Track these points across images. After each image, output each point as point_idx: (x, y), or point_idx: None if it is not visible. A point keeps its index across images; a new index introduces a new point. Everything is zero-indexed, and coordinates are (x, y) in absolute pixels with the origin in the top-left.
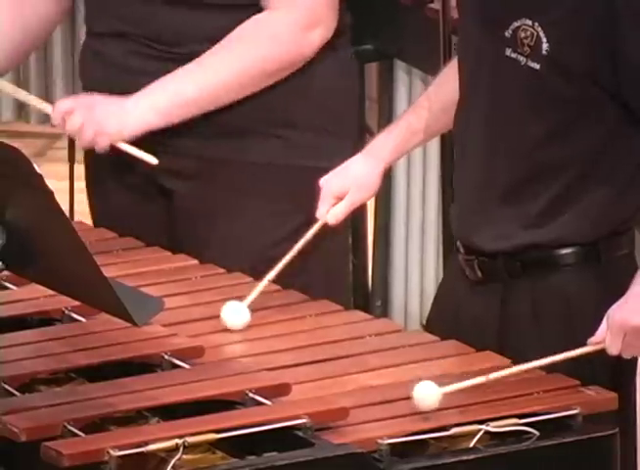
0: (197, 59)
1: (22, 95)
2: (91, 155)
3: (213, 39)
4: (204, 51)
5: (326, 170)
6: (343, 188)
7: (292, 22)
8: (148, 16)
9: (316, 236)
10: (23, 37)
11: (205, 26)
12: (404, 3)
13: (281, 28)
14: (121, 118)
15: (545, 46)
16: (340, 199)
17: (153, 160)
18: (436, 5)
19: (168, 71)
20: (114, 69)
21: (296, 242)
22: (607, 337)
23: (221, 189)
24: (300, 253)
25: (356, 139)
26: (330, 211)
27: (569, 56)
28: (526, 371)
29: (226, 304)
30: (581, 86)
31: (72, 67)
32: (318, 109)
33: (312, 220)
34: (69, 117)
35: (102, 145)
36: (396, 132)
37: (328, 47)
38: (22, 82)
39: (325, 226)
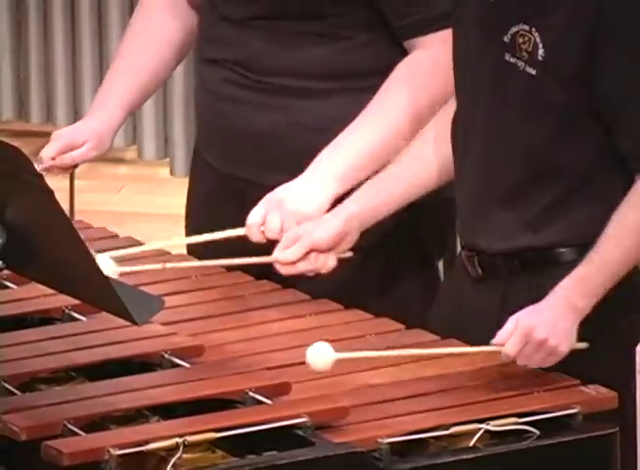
0: (364, 111)
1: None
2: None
3: (300, 72)
4: (296, 84)
5: None
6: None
7: (445, 58)
8: (240, 42)
9: None
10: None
11: (298, 57)
12: None
13: (438, 67)
14: (312, 197)
15: (541, 52)
16: (296, 241)
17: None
18: None
19: (262, 102)
20: (212, 95)
21: None
22: (509, 340)
23: None
24: None
25: None
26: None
27: (562, 62)
28: (528, 369)
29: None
30: (575, 92)
31: (72, 66)
32: None
33: None
34: (266, 225)
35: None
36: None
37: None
38: (22, 81)
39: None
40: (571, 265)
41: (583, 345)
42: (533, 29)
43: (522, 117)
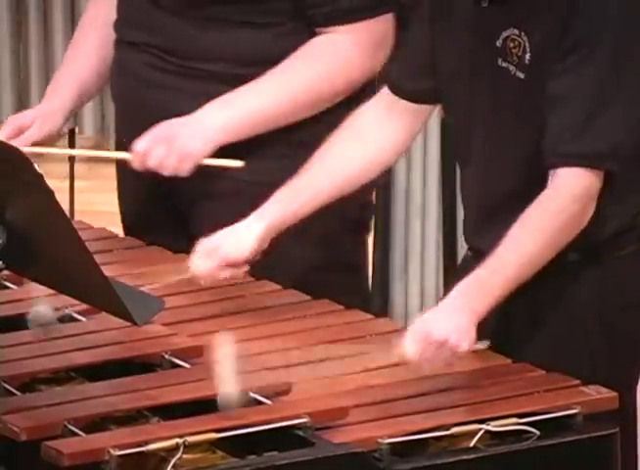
0: (267, 73)
1: (99, 153)
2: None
3: (229, 57)
4: (219, 69)
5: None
6: (215, 245)
7: (360, 44)
8: (158, 25)
9: None
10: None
11: (222, 43)
12: (404, 2)
13: (352, 50)
14: (200, 138)
15: (527, 56)
16: (210, 255)
17: (238, 163)
18: None
19: (183, 87)
20: (129, 78)
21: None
22: (409, 344)
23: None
24: None
25: None
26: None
27: (545, 66)
28: (528, 369)
29: None
30: None
31: None
32: (325, 128)
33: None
34: (150, 155)
35: (187, 168)
36: (284, 191)
37: None
38: (22, 81)
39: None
40: (572, 267)
41: (484, 344)
42: (522, 34)
43: (517, 121)
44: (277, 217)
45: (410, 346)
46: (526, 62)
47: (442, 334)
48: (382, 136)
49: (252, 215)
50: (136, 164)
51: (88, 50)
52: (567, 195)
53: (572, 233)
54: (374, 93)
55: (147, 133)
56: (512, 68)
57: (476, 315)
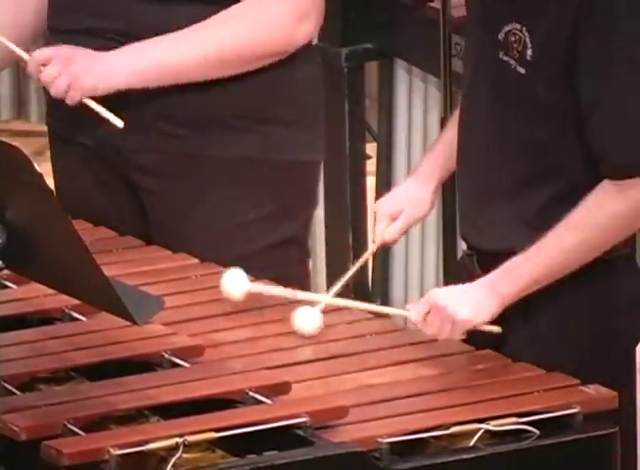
0: (186, 28)
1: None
2: (56, 142)
3: None
4: None
5: (302, 163)
6: (398, 208)
7: (287, 10)
8: (115, 9)
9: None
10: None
11: (175, 22)
12: (404, 2)
13: (277, 15)
14: (98, 75)
15: (529, 51)
16: (394, 219)
17: (119, 122)
18: (437, 4)
19: None
20: None
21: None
22: (415, 306)
23: (192, 184)
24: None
25: (322, 131)
26: (387, 230)
27: (549, 63)
28: (528, 369)
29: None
30: (563, 93)
31: None
32: (289, 102)
33: (289, 212)
34: (46, 67)
35: (73, 98)
36: (439, 150)
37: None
38: (22, 81)
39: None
40: None
41: (496, 328)
42: (524, 29)
43: (518, 115)
44: (441, 175)
45: (415, 307)
46: (528, 57)
47: (444, 301)
48: None
49: (414, 176)
50: (30, 69)
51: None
52: (618, 195)
53: (619, 235)
54: (311, 61)
55: (54, 47)
56: (512, 62)
57: (498, 296)
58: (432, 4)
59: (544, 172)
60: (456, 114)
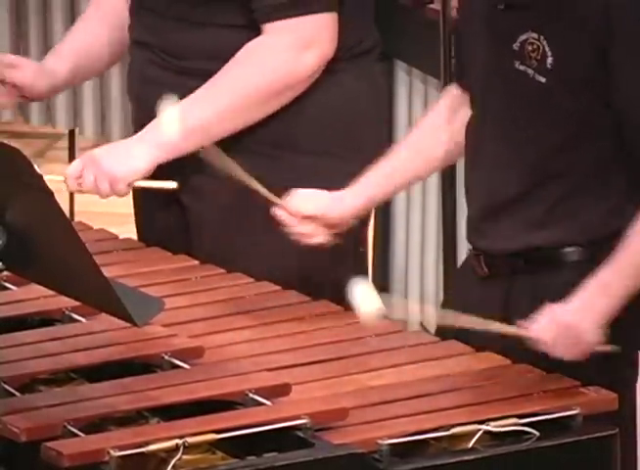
0: (197, 90)
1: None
2: None
3: (219, 57)
4: (210, 67)
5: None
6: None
7: (285, 45)
8: (160, 27)
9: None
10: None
11: (210, 44)
12: (404, 3)
13: (274, 53)
14: (129, 161)
15: (550, 60)
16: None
17: (172, 185)
18: (436, 5)
19: (181, 84)
20: (135, 76)
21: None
22: (540, 327)
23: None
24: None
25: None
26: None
27: (572, 71)
28: (528, 370)
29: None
30: (585, 100)
31: None
32: (318, 130)
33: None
34: (82, 179)
35: (121, 190)
36: (384, 171)
37: (325, 70)
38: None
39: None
40: (575, 266)
41: (614, 348)
42: (542, 38)
43: (532, 123)
44: (375, 192)
45: (541, 328)
46: (548, 66)
47: (571, 319)
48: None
49: (352, 187)
50: (71, 188)
51: (96, 34)
52: None
53: None
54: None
55: (81, 157)
56: (530, 71)
57: (600, 316)
58: (432, 5)
59: (556, 175)
60: (411, 135)
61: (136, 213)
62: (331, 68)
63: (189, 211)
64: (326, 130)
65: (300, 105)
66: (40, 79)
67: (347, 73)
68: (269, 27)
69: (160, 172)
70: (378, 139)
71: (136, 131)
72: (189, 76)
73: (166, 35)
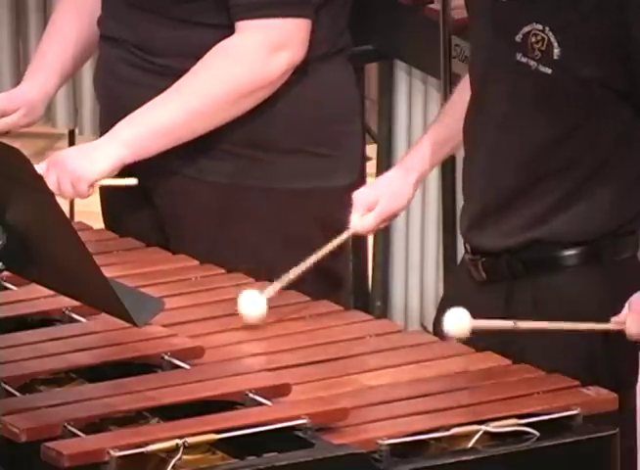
0: (167, 90)
1: None
2: None
3: (196, 55)
4: (187, 66)
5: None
6: (375, 199)
7: (255, 45)
8: (137, 23)
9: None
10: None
11: (189, 42)
12: (404, 3)
13: (243, 52)
14: (93, 161)
15: (557, 51)
16: (370, 209)
17: (132, 181)
18: (436, 5)
19: (154, 83)
20: (106, 74)
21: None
22: (627, 319)
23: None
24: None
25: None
26: (361, 220)
27: (580, 61)
28: (528, 370)
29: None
30: (592, 90)
31: None
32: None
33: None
34: (46, 179)
35: (82, 191)
36: (425, 143)
37: (298, 70)
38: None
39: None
40: (574, 270)
41: None
42: (547, 29)
43: (534, 116)
44: (424, 168)
45: (629, 321)
46: (555, 57)
47: None
48: None
49: (398, 167)
50: None
51: (75, 32)
52: None
53: None
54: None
55: (47, 159)
56: (533, 63)
57: None
58: (431, 5)
59: (552, 174)
60: (446, 107)
61: (104, 214)
62: (304, 67)
63: (163, 211)
64: (301, 129)
65: (275, 105)
66: (33, 112)
67: (320, 73)
68: (242, 26)
69: (127, 174)
70: (353, 135)
71: (104, 131)
72: (163, 75)
73: (143, 32)
